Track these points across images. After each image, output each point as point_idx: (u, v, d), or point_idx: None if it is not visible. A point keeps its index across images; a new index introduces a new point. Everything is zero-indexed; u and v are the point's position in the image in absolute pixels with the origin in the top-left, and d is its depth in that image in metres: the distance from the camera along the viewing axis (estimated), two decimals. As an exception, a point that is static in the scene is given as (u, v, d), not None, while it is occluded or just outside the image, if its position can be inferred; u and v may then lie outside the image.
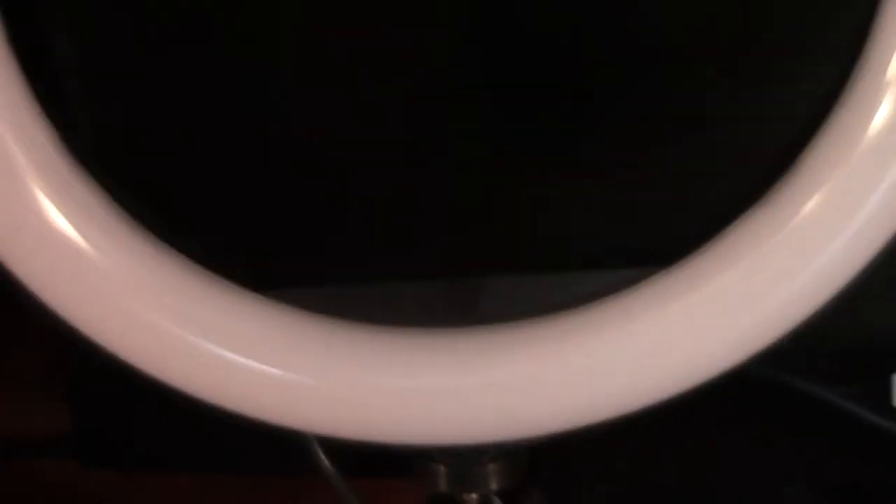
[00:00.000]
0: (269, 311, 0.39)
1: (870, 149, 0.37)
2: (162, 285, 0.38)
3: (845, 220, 0.37)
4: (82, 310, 0.38)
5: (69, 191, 0.37)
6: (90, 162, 0.38)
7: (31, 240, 0.37)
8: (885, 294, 0.54)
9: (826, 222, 0.37)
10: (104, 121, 0.40)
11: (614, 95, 0.40)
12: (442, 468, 0.51)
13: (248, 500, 0.69)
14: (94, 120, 0.40)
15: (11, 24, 0.37)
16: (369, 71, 0.40)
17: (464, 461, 0.50)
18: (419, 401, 0.40)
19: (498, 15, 0.40)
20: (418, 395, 0.39)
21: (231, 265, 0.39)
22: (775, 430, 0.63)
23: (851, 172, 0.37)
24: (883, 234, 0.37)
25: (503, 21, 0.40)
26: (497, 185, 0.41)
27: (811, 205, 0.37)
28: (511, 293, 0.40)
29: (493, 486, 0.51)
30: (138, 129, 0.41)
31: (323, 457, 0.52)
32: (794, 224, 0.37)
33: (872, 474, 0.63)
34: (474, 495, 0.51)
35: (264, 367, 0.38)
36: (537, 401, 0.39)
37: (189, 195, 0.41)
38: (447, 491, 0.51)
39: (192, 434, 0.64)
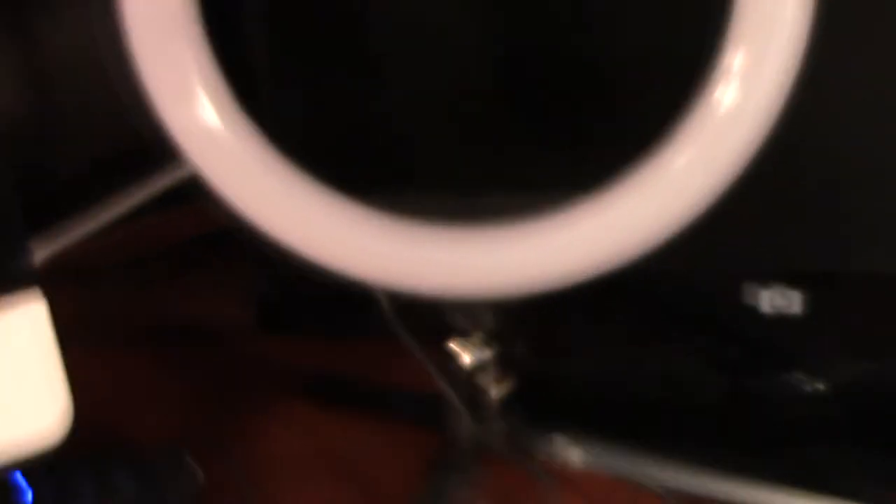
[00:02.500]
0: (365, 211, 0.61)
1: (717, 130, 0.56)
2: (299, 187, 0.60)
3: (700, 175, 0.57)
4: (265, 217, 0.60)
5: (264, 154, 0.61)
6: (286, 146, 0.61)
7: (243, 178, 0.61)
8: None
9: (687, 175, 0.57)
10: (285, 106, 0.68)
11: (570, 104, 0.67)
12: (459, 317, 0.71)
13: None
14: (276, 106, 0.67)
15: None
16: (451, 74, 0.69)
17: (473, 310, 0.70)
18: (449, 263, 0.61)
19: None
20: (446, 266, 0.60)
21: (361, 190, 0.60)
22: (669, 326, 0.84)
23: (704, 146, 0.57)
24: (722, 182, 0.57)
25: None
26: (506, 145, 0.69)
27: (678, 164, 0.57)
28: (505, 207, 0.61)
29: (490, 324, 0.71)
30: (305, 107, 0.70)
31: (390, 310, 0.72)
32: (668, 174, 0.57)
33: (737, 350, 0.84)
34: (477, 336, 0.71)
35: (366, 244, 0.60)
36: (519, 273, 0.60)
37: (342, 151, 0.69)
38: (464, 327, 0.71)
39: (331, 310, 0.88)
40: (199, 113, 0.62)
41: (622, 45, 0.72)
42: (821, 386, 0.81)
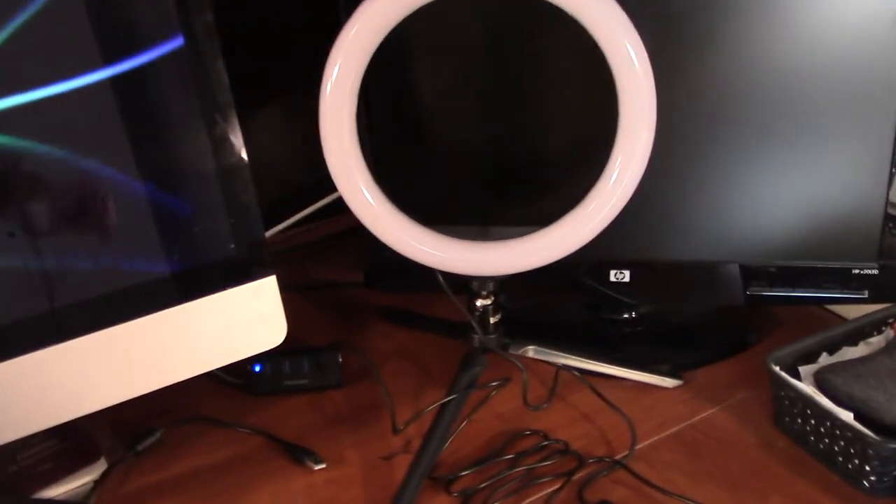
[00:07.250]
0: (433, 233, 0.90)
1: (605, 200, 0.88)
2: (404, 224, 0.90)
3: (596, 223, 0.90)
4: (380, 234, 0.90)
5: (382, 198, 0.90)
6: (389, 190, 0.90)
7: (371, 215, 0.90)
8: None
9: (593, 212, 0.87)
10: (392, 185, 0.93)
11: (535, 187, 1.02)
12: (475, 283, 0.99)
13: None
14: (388, 184, 0.92)
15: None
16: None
17: (482, 280, 0.98)
18: (473, 260, 0.90)
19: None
20: (474, 259, 0.91)
21: (429, 223, 0.91)
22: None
23: (596, 209, 0.89)
24: (604, 225, 0.91)
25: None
26: (501, 205, 1.04)
27: (585, 217, 0.90)
28: (500, 234, 0.91)
29: (491, 288, 0.99)
30: (400, 186, 0.97)
31: (442, 280, 0.96)
32: (580, 222, 0.87)
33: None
34: (484, 292, 1.00)
35: (433, 251, 0.90)
36: (505, 265, 0.90)
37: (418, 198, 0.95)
38: (477, 291, 0.99)
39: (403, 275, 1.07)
40: (356, 185, 0.89)
41: (564, 157, 1.02)
42: (635, 315, 1.18)
